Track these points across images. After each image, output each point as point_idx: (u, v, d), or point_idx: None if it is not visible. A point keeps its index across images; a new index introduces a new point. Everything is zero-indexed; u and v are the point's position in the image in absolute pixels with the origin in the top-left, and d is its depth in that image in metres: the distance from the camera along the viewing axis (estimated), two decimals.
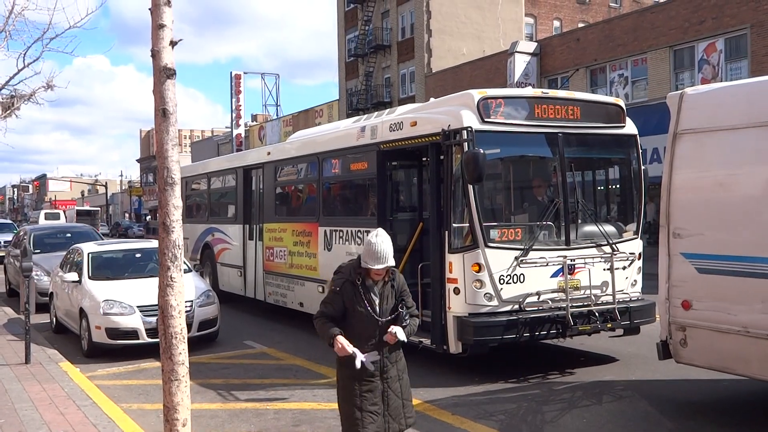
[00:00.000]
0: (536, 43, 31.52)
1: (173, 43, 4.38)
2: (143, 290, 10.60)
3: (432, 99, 10.61)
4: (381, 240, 4.64)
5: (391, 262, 4.66)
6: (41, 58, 16.69)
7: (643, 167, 9.79)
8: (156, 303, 4.70)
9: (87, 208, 74.28)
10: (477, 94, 8.72)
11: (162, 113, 4.37)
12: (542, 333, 8.52)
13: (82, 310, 10.84)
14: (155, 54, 4.35)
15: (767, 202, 6.26)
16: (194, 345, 10.70)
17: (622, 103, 9.86)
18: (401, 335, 4.66)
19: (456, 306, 8.40)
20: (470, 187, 8.28)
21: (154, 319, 9.98)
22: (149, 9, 4.35)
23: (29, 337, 9.73)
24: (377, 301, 4.71)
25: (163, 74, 4.35)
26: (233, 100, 55.91)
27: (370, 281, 4.71)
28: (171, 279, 4.37)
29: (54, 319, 12.84)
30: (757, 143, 6.39)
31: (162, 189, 4.41)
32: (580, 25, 41.24)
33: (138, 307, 10.44)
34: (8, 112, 13.43)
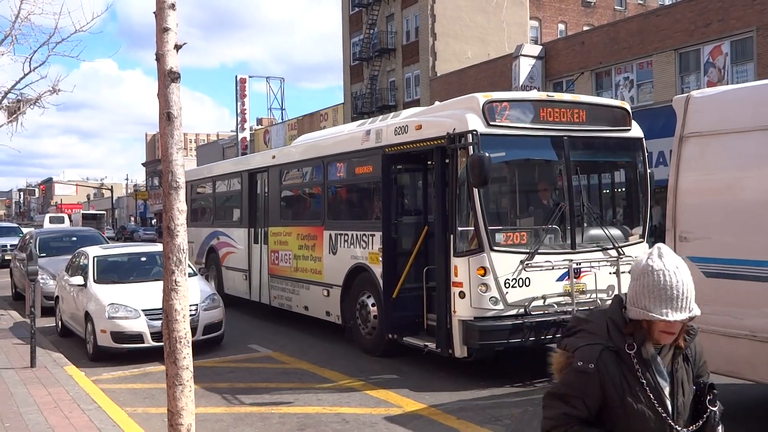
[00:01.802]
0: (541, 47, 31.49)
1: (178, 47, 4.38)
2: (148, 294, 10.60)
3: (437, 102, 10.60)
4: (675, 265, 2.43)
5: (697, 310, 2.42)
6: (47, 63, 16.70)
7: (649, 170, 9.75)
8: (161, 307, 4.69)
9: (93, 211, 74.58)
10: (482, 97, 8.71)
11: (167, 117, 4.37)
12: (548, 337, 8.48)
13: (87, 314, 10.85)
14: (160, 57, 4.35)
15: None
16: (199, 348, 10.69)
17: (627, 106, 9.83)
18: None
19: (461, 310, 8.37)
20: (475, 190, 8.26)
21: (159, 322, 9.98)
22: (154, 12, 4.35)
23: (35, 340, 9.74)
24: (667, 389, 2.51)
25: (167, 78, 4.35)
26: (238, 103, 56.07)
27: (652, 349, 2.50)
28: (175, 283, 4.36)
29: (59, 322, 12.86)
30: (764, 146, 6.35)
31: (167, 193, 4.40)
32: (585, 28, 41.19)
33: (143, 310, 10.44)
34: (14, 116, 13.48)
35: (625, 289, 9.34)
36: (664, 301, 2.37)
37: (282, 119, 57.66)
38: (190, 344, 4.49)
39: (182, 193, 4.48)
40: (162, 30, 4.35)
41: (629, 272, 2.30)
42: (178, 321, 4.36)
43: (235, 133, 58.33)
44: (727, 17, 23.07)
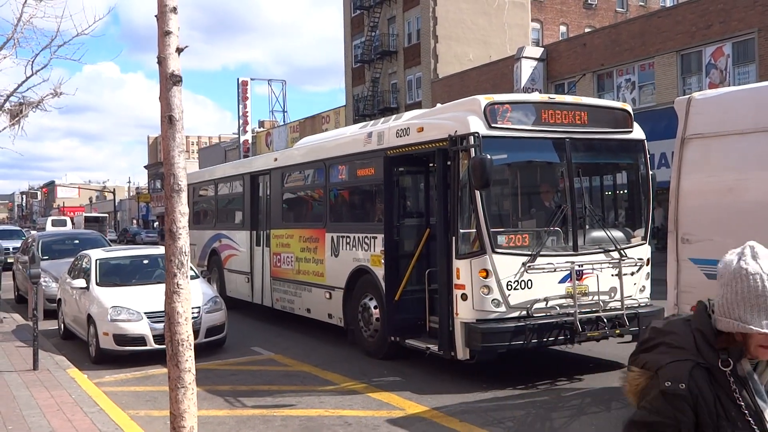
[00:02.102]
0: (543, 49, 31.50)
1: (179, 50, 4.39)
2: (151, 296, 10.60)
3: (439, 105, 10.60)
4: None
5: None
6: (49, 66, 16.75)
7: (650, 172, 9.75)
8: (163, 309, 4.69)
9: (95, 214, 74.63)
10: (484, 99, 8.71)
11: (168, 120, 4.37)
12: (550, 339, 8.48)
13: (89, 317, 10.85)
14: (161, 61, 4.36)
15: None
16: (202, 351, 10.69)
17: (629, 107, 9.82)
18: None
19: (463, 312, 8.37)
20: (477, 192, 8.26)
21: (161, 325, 9.97)
22: (155, 16, 4.36)
23: (37, 343, 9.75)
24: (767, 412, 2.15)
25: (169, 81, 4.36)
26: (240, 106, 56.13)
27: (748, 365, 2.17)
28: (177, 286, 4.36)
29: (62, 325, 12.87)
30: (766, 148, 6.35)
31: (168, 196, 4.41)
32: (587, 30, 41.20)
33: (146, 313, 10.44)
34: (16, 119, 13.50)
35: (627, 291, 9.39)
36: (764, 310, 2.02)
37: (284, 122, 57.68)
38: (192, 347, 4.49)
39: (184, 195, 4.49)
40: (164, 33, 4.36)
41: (718, 276, 1.87)
42: (181, 324, 4.36)
43: (237, 136, 58.37)
44: (729, 19, 23.06)
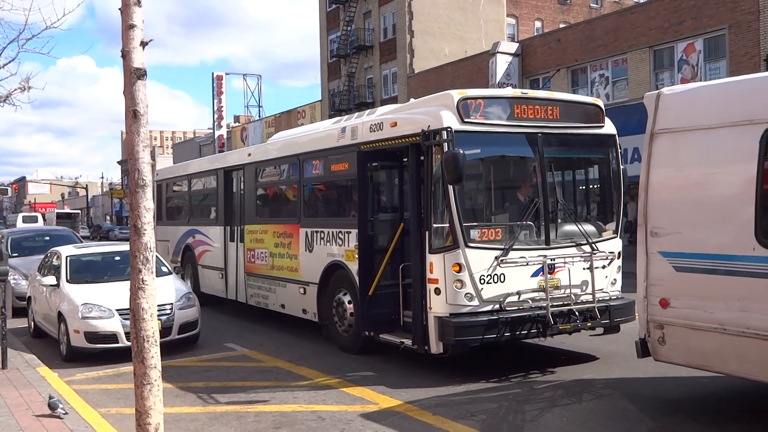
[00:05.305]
0: (518, 44, 31.64)
1: (144, 44, 4.33)
2: (122, 293, 10.40)
3: (412, 99, 10.59)
4: None
5: None
6: (18, 60, 16.42)
7: (622, 167, 9.83)
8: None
9: (67, 210, 73.55)
10: (457, 94, 8.73)
11: (133, 114, 4.31)
12: (523, 332, 8.53)
13: (60, 314, 10.72)
14: (125, 54, 4.30)
15: (743, 201, 6.30)
16: (175, 348, 10.63)
17: (601, 103, 9.90)
18: None
19: (437, 306, 8.39)
20: (450, 187, 8.28)
21: None
22: (119, 9, 4.30)
23: (6, 342, 9.60)
24: None
25: (133, 75, 4.30)
26: (215, 101, 55.73)
27: None
28: (142, 282, 4.31)
29: (32, 323, 12.69)
30: (733, 143, 6.43)
31: (133, 191, 4.35)
32: (561, 25, 41.46)
33: (117, 310, 10.32)
34: None
35: (598, 284, 9.52)
36: None
37: (259, 117, 57.37)
38: (158, 343, 4.45)
39: (149, 191, 4.44)
40: (128, 27, 4.30)
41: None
42: (146, 320, 4.32)
43: (212, 131, 57.96)
44: (700, 15, 23.34)
